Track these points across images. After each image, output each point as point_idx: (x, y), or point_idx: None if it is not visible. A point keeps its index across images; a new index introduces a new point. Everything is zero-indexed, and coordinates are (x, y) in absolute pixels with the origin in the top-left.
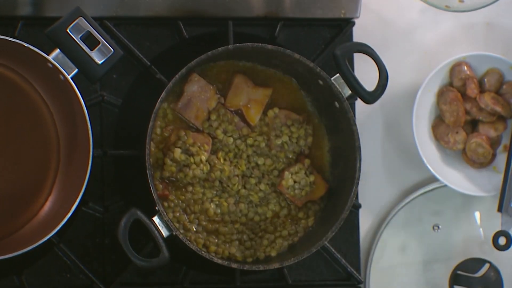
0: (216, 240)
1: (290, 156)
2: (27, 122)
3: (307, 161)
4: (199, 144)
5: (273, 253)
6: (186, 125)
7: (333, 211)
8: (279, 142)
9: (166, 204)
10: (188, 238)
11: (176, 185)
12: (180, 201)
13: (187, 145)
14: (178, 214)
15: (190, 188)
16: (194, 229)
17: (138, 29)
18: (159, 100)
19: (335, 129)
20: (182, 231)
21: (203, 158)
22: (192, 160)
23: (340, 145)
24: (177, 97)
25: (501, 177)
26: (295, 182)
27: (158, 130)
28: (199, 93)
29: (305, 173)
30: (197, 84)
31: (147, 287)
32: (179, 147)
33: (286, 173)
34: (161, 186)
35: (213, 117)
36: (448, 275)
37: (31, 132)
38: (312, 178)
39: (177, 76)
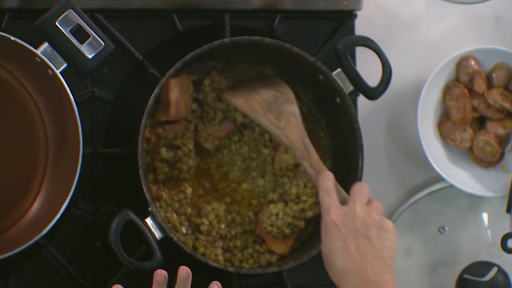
0: (219, 243)
1: None
2: (14, 119)
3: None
4: (180, 134)
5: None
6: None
7: None
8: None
9: (158, 204)
10: (183, 241)
11: (172, 183)
12: (173, 202)
13: (169, 140)
14: (169, 214)
15: (188, 190)
16: (184, 231)
17: (130, 22)
18: (152, 96)
19: (336, 127)
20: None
21: (190, 146)
22: (180, 153)
23: (341, 144)
24: (164, 109)
25: (509, 176)
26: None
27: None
28: (180, 91)
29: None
30: (177, 86)
31: None
32: (163, 146)
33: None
34: (154, 188)
35: (206, 81)
36: (454, 279)
37: (18, 130)
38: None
39: (171, 70)
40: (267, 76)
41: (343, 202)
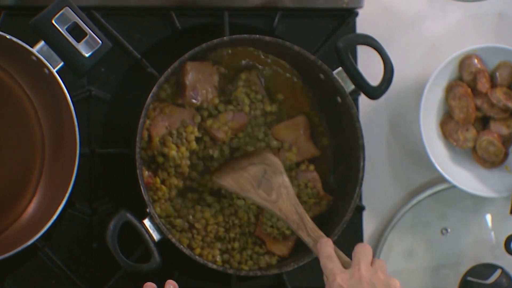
0: (217, 245)
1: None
2: (10, 119)
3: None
4: (186, 123)
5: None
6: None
7: (336, 213)
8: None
9: (151, 193)
10: (178, 238)
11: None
12: (169, 194)
13: (174, 132)
14: (164, 207)
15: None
16: (180, 225)
17: (128, 20)
18: (150, 95)
19: (337, 126)
20: (168, 226)
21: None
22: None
23: (342, 143)
24: (181, 91)
25: None
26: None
27: (146, 133)
28: (199, 76)
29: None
30: (194, 69)
31: None
32: (171, 142)
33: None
34: (147, 172)
35: (243, 75)
36: (457, 282)
37: (14, 129)
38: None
39: (169, 69)
40: (254, 151)
41: (345, 265)
